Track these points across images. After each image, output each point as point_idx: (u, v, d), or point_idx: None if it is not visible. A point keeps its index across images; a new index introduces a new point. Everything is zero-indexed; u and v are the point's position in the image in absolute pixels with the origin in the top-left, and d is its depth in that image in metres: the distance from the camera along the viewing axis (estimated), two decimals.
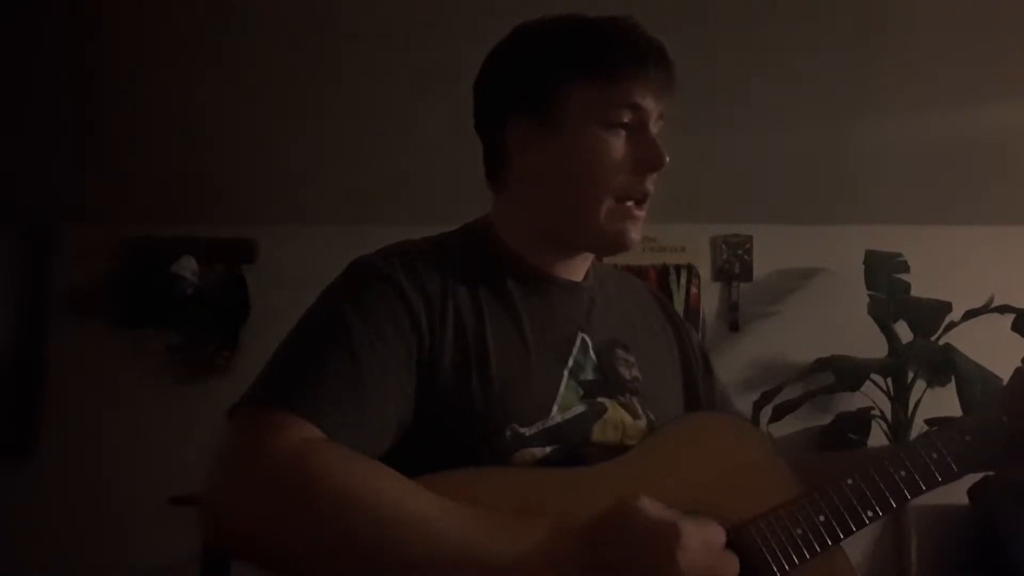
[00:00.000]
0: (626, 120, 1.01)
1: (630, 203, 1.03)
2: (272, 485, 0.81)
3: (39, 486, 3.51)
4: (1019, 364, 1.06)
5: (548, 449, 0.95)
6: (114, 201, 3.62)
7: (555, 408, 0.98)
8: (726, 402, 1.23)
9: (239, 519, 0.82)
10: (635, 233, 1.03)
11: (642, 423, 1.04)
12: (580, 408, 1.00)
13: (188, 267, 3.61)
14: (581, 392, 1.01)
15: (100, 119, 3.27)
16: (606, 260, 1.22)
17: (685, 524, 0.82)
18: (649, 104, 1.02)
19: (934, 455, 1.00)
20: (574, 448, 0.97)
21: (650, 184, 1.03)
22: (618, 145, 1.01)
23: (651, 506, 0.82)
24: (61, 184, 3.55)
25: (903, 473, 0.99)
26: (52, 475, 3.52)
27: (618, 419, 1.02)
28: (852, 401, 3.33)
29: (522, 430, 0.95)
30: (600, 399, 1.02)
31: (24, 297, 3.71)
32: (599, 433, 1.00)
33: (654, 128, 1.04)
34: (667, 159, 1.02)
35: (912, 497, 0.99)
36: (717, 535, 0.86)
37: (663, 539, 0.81)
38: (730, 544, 0.90)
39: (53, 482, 3.51)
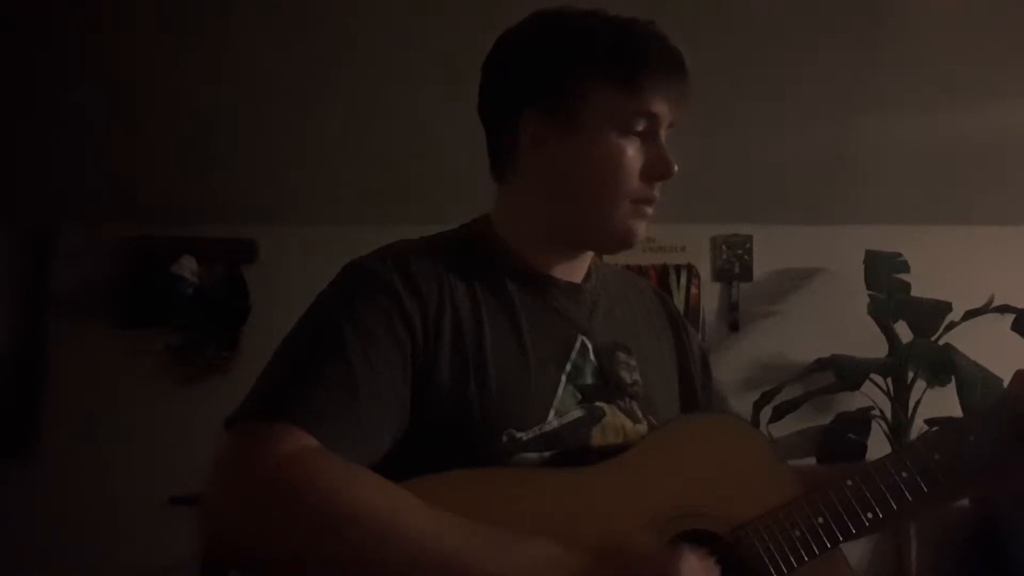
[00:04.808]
0: (641, 128, 1.01)
1: (641, 204, 1.03)
2: (270, 496, 0.80)
3: (39, 486, 3.50)
4: (1020, 367, 1.04)
5: (547, 454, 0.95)
6: (114, 201, 3.61)
7: (552, 413, 0.97)
8: (723, 404, 1.22)
9: (237, 529, 0.82)
10: (642, 230, 1.04)
11: (642, 427, 1.03)
12: (577, 413, 0.99)
13: (188, 267, 3.61)
14: (579, 397, 1.00)
15: (100, 120, 3.26)
16: (607, 258, 1.21)
17: (686, 559, 0.82)
18: (663, 112, 1.02)
19: (936, 456, 0.98)
20: (574, 453, 0.96)
21: (658, 191, 1.03)
22: (633, 153, 1.01)
23: (652, 541, 0.82)
24: (61, 184, 3.55)
25: (904, 474, 0.97)
26: (52, 475, 3.51)
27: (618, 424, 1.01)
28: (852, 401, 3.32)
29: (519, 435, 0.94)
30: (598, 404, 1.01)
31: (24, 297, 3.70)
32: (599, 438, 0.99)
33: (662, 135, 1.04)
34: (676, 168, 1.02)
35: (915, 499, 0.97)
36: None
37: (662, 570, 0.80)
38: (728, 546, 0.90)
39: (53, 482, 3.50)
